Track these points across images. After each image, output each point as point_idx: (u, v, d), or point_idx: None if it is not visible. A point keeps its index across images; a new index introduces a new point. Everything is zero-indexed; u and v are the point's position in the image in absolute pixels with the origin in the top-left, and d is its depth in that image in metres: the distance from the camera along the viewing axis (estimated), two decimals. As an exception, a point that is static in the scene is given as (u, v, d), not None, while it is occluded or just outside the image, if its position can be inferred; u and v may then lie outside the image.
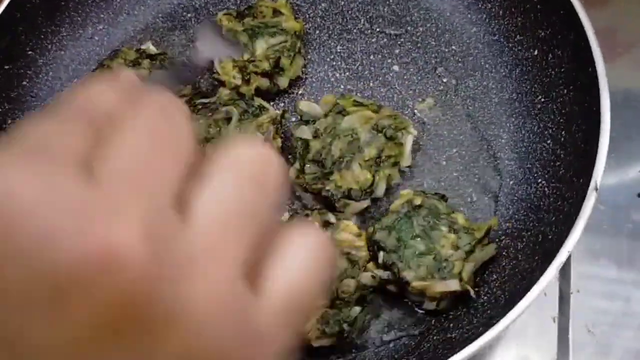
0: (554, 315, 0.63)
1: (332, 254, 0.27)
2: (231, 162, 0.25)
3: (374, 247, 0.59)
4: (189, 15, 0.75)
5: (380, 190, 0.62)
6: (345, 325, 0.57)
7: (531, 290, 0.50)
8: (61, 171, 0.22)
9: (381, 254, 0.58)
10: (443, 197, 0.61)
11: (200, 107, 0.65)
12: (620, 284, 0.64)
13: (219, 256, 0.23)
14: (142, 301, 0.22)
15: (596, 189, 0.51)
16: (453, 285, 0.57)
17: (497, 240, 0.60)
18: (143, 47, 0.70)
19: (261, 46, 0.67)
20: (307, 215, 0.61)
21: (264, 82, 0.67)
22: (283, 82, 0.68)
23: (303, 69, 0.70)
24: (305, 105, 0.65)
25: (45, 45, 0.71)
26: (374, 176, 0.62)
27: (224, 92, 0.66)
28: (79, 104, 0.26)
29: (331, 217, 0.61)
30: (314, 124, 0.64)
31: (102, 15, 0.74)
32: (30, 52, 0.70)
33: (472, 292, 0.57)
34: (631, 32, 0.76)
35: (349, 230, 0.60)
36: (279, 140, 0.64)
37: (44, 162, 0.22)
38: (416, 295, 0.58)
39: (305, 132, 0.64)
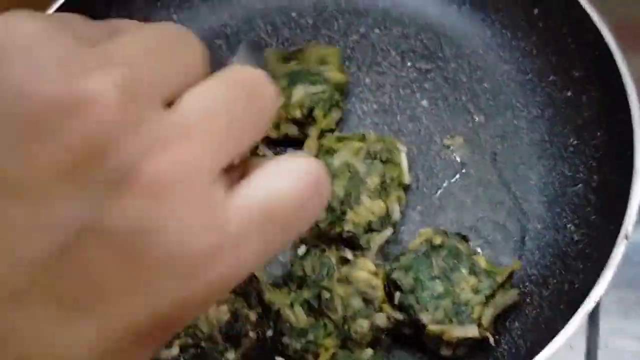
0: (581, 370, 0.59)
1: (326, 182, 0.27)
2: (228, 76, 0.27)
3: (390, 287, 0.57)
4: (219, 42, 0.74)
5: (396, 214, 0.60)
6: (355, 368, 0.54)
7: (554, 341, 0.47)
8: (65, 33, 0.24)
9: (397, 294, 0.56)
10: (464, 238, 0.58)
11: None
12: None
13: (191, 144, 0.24)
14: (101, 148, 0.22)
15: (626, 237, 0.48)
16: (471, 331, 0.54)
17: (520, 286, 0.57)
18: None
19: (299, 93, 0.64)
20: (323, 250, 0.59)
21: (293, 130, 0.64)
22: (313, 133, 0.64)
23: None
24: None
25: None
26: (385, 202, 0.60)
27: None
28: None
29: (348, 254, 0.58)
30: None
31: (132, 39, 0.74)
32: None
33: (491, 340, 0.54)
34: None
35: (366, 269, 0.58)
36: None
37: (56, 23, 0.24)
38: (432, 340, 0.55)
39: None
